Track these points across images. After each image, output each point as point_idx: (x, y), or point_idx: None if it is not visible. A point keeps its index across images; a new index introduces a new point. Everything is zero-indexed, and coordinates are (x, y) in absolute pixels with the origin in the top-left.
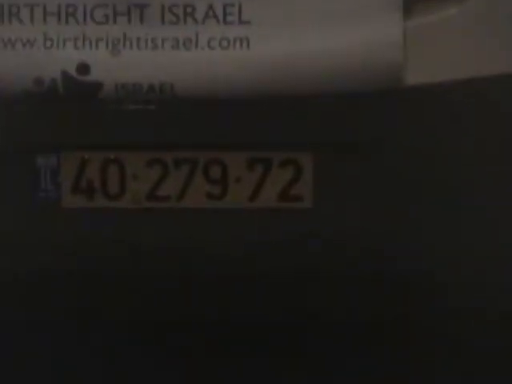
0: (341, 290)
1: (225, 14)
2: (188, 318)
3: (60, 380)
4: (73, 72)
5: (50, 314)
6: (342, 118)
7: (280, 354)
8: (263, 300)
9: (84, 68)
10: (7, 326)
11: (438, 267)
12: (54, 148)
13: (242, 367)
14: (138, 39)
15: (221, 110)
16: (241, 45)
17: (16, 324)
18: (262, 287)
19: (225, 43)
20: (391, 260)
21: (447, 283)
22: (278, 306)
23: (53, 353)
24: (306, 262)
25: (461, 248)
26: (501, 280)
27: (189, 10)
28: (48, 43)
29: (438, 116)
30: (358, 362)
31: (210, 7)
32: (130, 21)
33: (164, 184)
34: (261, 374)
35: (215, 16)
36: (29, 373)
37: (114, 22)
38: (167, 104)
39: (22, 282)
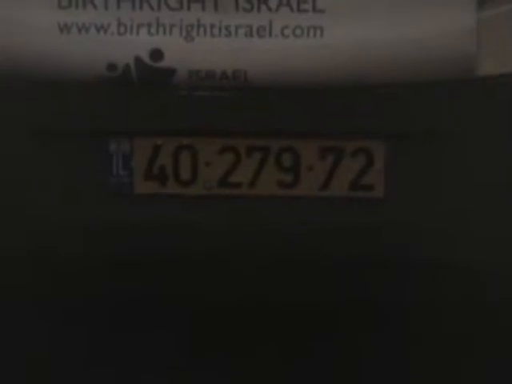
0: (411, 279)
1: (299, 3)
2: (260, 302)
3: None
4: (146, 58)
5: (123, 301)
6: (414, 108)
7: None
8: (334, 288)
9: (157, 54)
10: (88, 310)
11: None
12: (126, 133)
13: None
14: (212, 26)
15: (294, 98)
16: (314, 33)
17: (95, 308)
18: (332, 275)
19: (298, 31)
20: (463, 249)
21: None
22: (347, 295)
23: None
24: (377, 252)
25: None
26: None
27: None
28: (122, 29)
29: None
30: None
31: None
32: (204, 7)
33: (236, 171)
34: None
35: (289, 4)
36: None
37: (188, 8)
38: (240, 91)
39: (95, 268)
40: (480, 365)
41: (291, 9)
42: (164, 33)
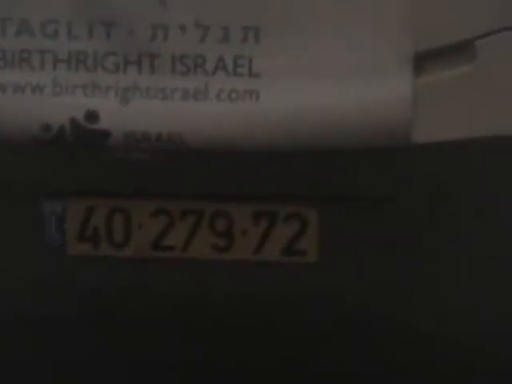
0: (340, 343)
1: (235, 66)
2: (188, 361)
3: None
4: (81, 120)
5: (51, 360)
6: (348, 173)
7: None
8: (265, 350)
9: (93, 116)
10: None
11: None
12: (60, 194)
13: None
14: (148, 89)
15: (228, 161)
16: (250, 97)
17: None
18: (263, 338)
19: (234, 95)
20: (391, 314)
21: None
22: (278, 357)
23: None
24: (308, 316)
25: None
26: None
27: (199, 60)
28: (57, 89)
29: (443, 174)
30: None
31: (221, 59)
32: (140, 70)
33: (169, 234)
34: None
35: (225, 67)
36: None
37: (124, 70)
38: (175, 154)
39: (25, 325)
40: None
41: (227, 72)
42: (100, 95)
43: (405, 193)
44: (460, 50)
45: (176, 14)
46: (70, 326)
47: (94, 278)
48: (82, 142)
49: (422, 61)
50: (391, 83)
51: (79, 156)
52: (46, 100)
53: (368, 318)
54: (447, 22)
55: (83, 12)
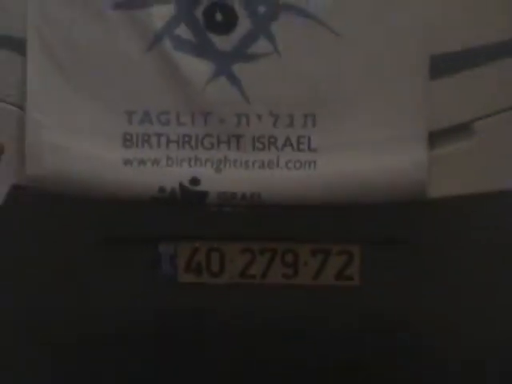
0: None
1: (298, 144)
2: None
3: None
4: (187, 184)
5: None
6: (381, 221)
7: None
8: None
9: (195, 181)
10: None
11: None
12: (172, 238)
13: None
14: (235, 161)
15: (295, 213)
16: (309, 166)
17: None
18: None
19: (298, 164)
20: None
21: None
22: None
23: None
24: (353, 326)
25: None
26: None
27: (272, 140)
28: (169, 162)
29: (454, 222)
30: None
31: (288, 138)
32: (229, 147)
33: (252, 266)
34: None
35: (291, 144)
36: None
37: (218, 147)
38: (256, 208)
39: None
40: None
41: (292, 148)
42: (200, 165)
43: (424, 237)
44: (462, 130)
45: (255, 106)
46: (180, 338)
47: (198, 299)
48: (188, 200)
49: (434, 137)
50: (412, 154)
51: (186, 210)
52: (162, 170)
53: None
54: (452, 106)
55: (187, 105)
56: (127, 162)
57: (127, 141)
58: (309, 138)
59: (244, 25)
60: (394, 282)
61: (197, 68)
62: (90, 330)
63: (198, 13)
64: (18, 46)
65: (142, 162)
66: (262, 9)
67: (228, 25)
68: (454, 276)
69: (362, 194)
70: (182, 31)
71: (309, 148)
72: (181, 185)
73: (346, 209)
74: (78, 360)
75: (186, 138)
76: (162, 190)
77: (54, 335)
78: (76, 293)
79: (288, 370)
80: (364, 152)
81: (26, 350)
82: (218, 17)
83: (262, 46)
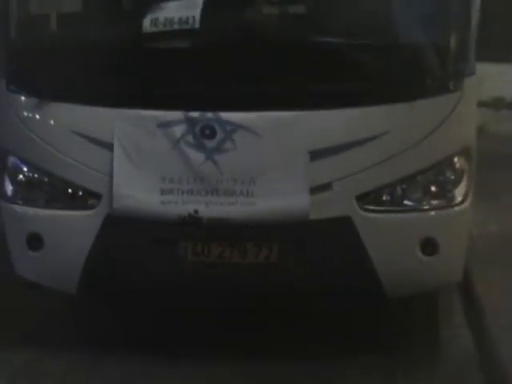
0: None
1: (247, 193)
2: None
3: None
4: (192, 213)
5: None
6: None
7: None
8: None
9: (196, 212)
10: None
11: None
12: None
13: None
14: (215, 202)
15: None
16: (251, 205)
17: None
18: None
19: (247, 204)
20: None
21: None
22: None
23: None
24: None
25: None
26: None
27: (232, 191)
28: (183, 202)
29: None
30: None
31: (241, 191)
32: (212, 195)
33: None
34: None
35: (242, 194)
36: None
37: (206, 195)
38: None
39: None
40: None
41: (243, 195)
42: (198, 204)
43: None
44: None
45: (225, 175)
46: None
47: None
48: (193, 222)
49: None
50: (300, 197)
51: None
52: (180, 206)
53: None
54: (320, 171)
55: (191, 174)
56: (163, 203)
57: (163, 191)
58: (252, 191)
59: (219, 136)
60: None
61: (196, 156)
62: None
63: (197, 129)
64: (110, 146)
65: (169, 202)
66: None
67: (212, 135)
68: None
69: (276, 215)
70: (189, 138)
71: (252, 195)
72: (189, 214)
73: None
74: None
75: (191, 191)
76: (180, 216)
77: None
78: None
79: None
80: (280, 198)
81: None
82: (207, 131)
83: (228, 146)
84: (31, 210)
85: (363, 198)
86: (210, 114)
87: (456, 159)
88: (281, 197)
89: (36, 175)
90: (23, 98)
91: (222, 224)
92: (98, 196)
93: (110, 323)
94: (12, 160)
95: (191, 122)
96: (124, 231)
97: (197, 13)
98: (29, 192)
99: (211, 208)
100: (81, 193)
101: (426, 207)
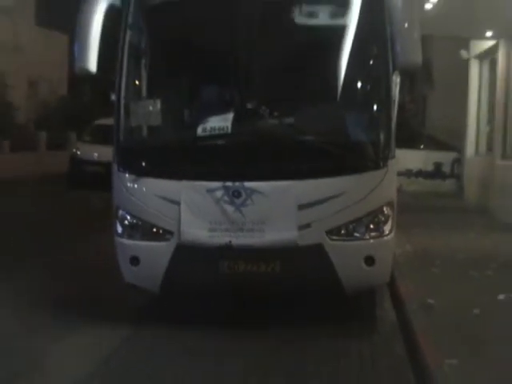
0: None
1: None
2: None
3: None
4: (228, 242)
5: None
6: None
7: None
8: None
9: (230, 241)
10: None
11: None
12: None
13: None
14: (240, 235)
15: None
16: (261, 235)
17: None
18: None
19: (261, 235)
20: None
21: None
22: None
23: None
24: None
25: None
26: None
27: (252, 229)
28: (221, 235)
29: None
30: None
31: (253, 228)
32: (238, 230)
33: None
34: None
35: (257, 230)
36: None
37: (235, 230)
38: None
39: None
40: None
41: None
42: (230, 237)
43: None
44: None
45: (246, 219)
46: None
47: None
48: (227, 248)
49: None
50: (290, 233)
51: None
52: (219, 238)
53: None
54: (306, 217)
55: (225, 219)
56: (210, 236)
57: (210, 230)
58: (263, 229)
59: (243, 196)
60: None
61: (229, 208)
62: None
63: (230, 192)
64: (178, 203)
65: (213, 236)
66: (249, 191)
67: (239, 196)
68: None
69: (277, 243)
70: (225, 198)
71: (263, 231)
72: (226, 243)
73: None
74: None
75: (226, 229)
76: (220, 244)
77: None
78: None
79: None
80: (280, 233)
81: None
82: (236, 193)
83: (249, 202)
84: (132, 242)
85: (330, 232)
86: (237, 184)
87: (385, 208)
88: (280, 232)
89: (134, 221)
90: (127, 175)
91: (246, 249)
92: (171, 233)
93: (179, 310)
94: (120, 212)
95: (226, 188)
96: (187, 254)
97: (229, 123)
98: (130, 231)
99: (239, 239)
100: (161, 231)
101: (367, 237)
